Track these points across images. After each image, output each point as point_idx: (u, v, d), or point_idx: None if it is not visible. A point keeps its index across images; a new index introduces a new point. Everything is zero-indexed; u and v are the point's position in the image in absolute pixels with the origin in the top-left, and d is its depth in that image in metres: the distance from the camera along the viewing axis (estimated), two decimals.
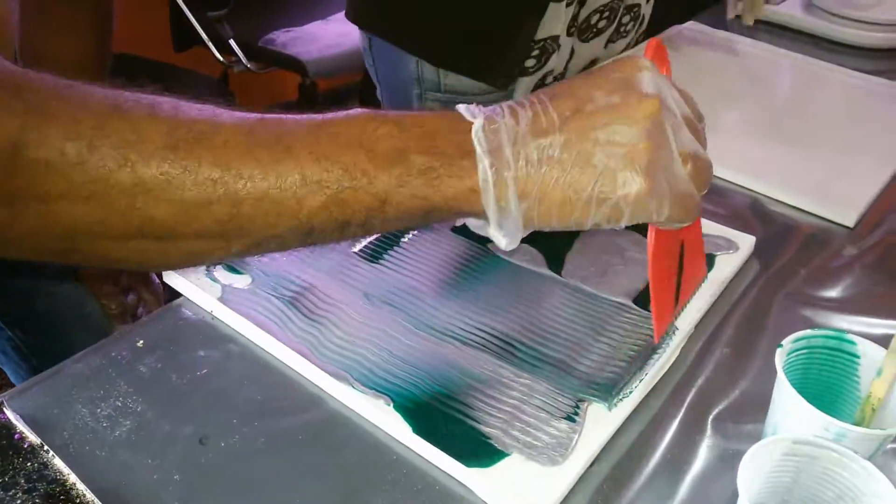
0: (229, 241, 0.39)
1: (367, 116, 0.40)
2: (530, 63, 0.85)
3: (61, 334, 0.83)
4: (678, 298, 0.53)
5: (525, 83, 0.87)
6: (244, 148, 0.37)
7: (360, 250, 0.60)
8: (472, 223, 0.43)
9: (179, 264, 0.39)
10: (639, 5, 0.95)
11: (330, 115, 0.40)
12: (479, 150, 0.40)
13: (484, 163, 0.39)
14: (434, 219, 0.42)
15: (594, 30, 0.90)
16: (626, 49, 0.97)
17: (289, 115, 0.40)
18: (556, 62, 0.87)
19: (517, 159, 0.40)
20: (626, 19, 0.94)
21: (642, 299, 0.56)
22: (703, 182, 0.44)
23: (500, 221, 0.41)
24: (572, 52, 0.90)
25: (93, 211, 0.36)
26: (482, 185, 0.40)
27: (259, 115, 0.39)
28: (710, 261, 0.61)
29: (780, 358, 0.42)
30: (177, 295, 0.57)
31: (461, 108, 0.42)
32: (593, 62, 0.94)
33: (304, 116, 0.40)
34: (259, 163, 0.37)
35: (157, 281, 0.89)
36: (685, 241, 0.52)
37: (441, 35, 0.85)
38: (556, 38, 0.84)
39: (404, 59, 0.87)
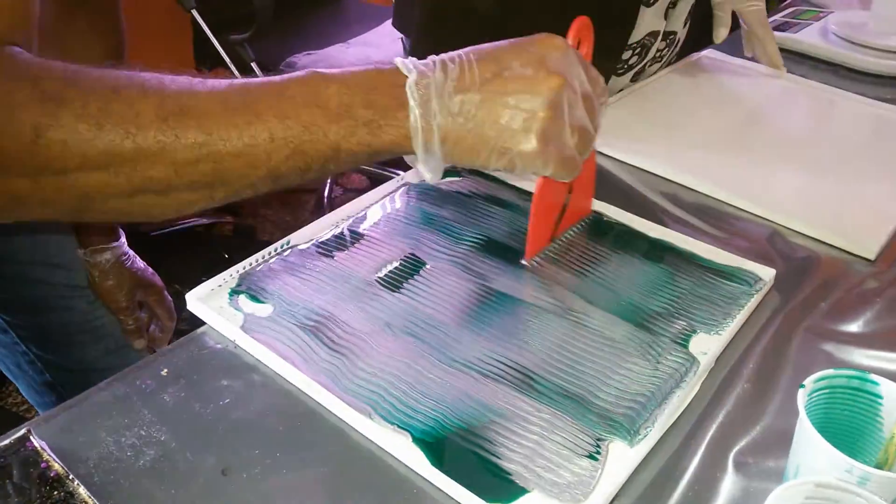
0: (213, 190, 0.47)
1: (317, 77, 0.47)
2: (633, 60, 0.89)
3: (75, 348, 0.84)
4: (557, 229, 0.66)
5: (620, 82, 0.90)
6: (221, 115, 0.45)
7: (381, 278, 0.61)
8: (407, 157, 0.51)
9: (175, 212, 0.48)
10: (675, 32, 0.95)
11: (285, 77, 0.47)
12: (412, 102, 0.47)
13: (415, 113, 0.47)
14: (377, 159, 0.50)
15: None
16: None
17: (250, 80, 0.47)
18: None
19: (442, 110, 0.48)
20: (661, 45, 0.95)
21: (651, 325, 0.56)
22: (584, 149, 0.53)
23: (425, 160, 0.49)
24: None
25: (103, 177, 0.44)
26: (412, 132, 0.48)
27: (227, 82, 0.47)
28: None
29: (802, 399, 0.42)
30: (199, 323, 0.58)
31: (398, 61, 0.48)
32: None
33: (264, 80, 0.47)
34: (235, 127, 0.45)
35: (170, 298, 0.89)
36: (573, 185, 0.63)
37: None
38: (654, 34, 0.87)
39: None
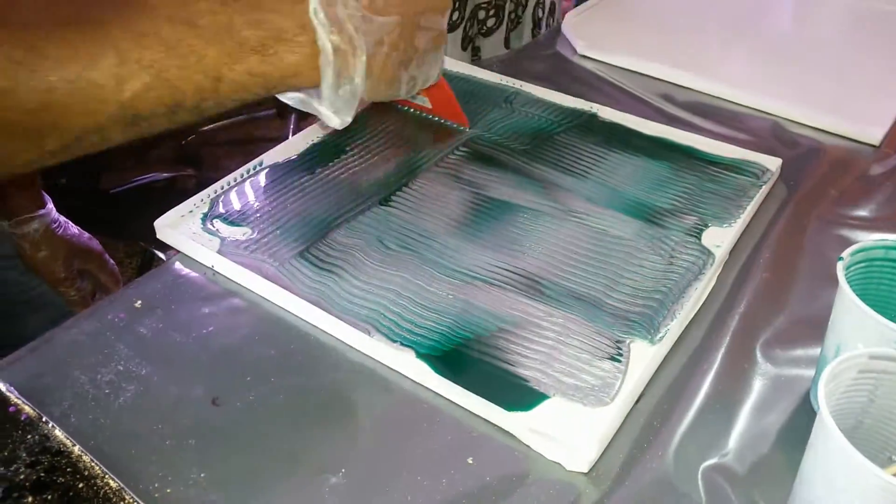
0: (43, 136, 0.34)
1: None
2: None
3: (14, 320, 0.77)
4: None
5: None
6: (48, 26, 0.33)
7: (366, 192, 0.56)
8: (290, 97, 0.43)
9: None
10: None
11: None
12: (320, 28, 0.39)
13: (329, 40, 0.39)
14: (271, 94, 0.41)
15: None
16: None
17: None
18: None
19: (363, 36, 0.40)
20: None
21: (660, 221, 0.53)
22: None
23: (332, 99, 0.42)
24: None
25: None
26: (324, 61, 0.40)
27: None
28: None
29: (841, 271, 0.39)
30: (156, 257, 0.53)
31: None
32: None
33: None
34: (67, 42, 0.33)
35: (112, 262, 0.82)
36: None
37: None
38: None
39: None
